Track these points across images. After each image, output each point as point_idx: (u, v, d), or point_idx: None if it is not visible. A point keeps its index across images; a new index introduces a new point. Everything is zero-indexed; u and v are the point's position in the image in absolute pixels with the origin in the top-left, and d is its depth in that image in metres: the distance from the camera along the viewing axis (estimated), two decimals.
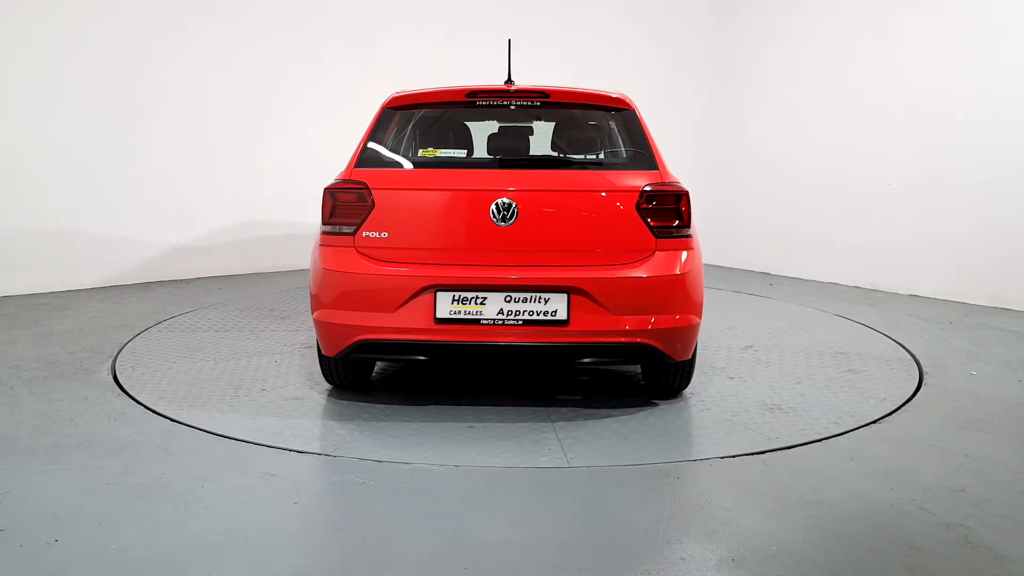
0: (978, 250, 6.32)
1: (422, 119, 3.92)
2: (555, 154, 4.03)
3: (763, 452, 3.15)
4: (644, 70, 9.04)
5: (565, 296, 3.29)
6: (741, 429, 3.42)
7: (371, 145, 3.62)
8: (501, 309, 3.29)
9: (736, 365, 4.46)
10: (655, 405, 3.75)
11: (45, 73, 6.39)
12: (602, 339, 3.32)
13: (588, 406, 3.72)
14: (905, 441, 3.29)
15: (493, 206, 3.34)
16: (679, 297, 3.38)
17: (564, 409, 3.66)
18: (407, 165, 3.68)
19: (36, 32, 6.31)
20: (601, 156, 3.83)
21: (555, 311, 3.29)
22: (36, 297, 6.35)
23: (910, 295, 6.77)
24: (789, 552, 2.35)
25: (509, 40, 4.50)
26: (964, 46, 6.41)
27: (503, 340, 3.32)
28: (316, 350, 3.85)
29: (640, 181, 3.43)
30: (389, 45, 8.06)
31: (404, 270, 3.35)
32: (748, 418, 3.56)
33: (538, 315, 3.29)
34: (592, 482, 2.88)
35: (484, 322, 3.30)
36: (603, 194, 3.41)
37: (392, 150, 3.68)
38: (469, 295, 3.31)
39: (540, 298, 3.29)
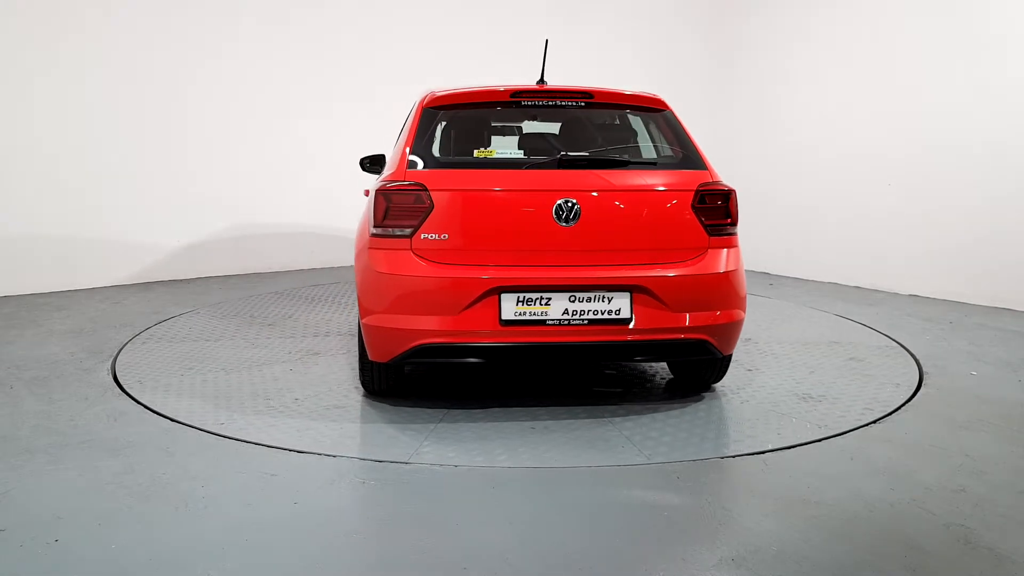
0: (978, 250, 6.31)
1: (466, 119, 3.85)
2: (614, 155, 3.92)
3: (763, 452, 3.15)
4: (644, 69, 9.04)
5: (628, 295, 3.32)
6: (788, 418, 3.55)
7: (418, 146, 3.49)
8: (566, 309, 3.29)
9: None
10: (701, 398, 3.84)
11: (46, 74, 6.40)
12: (663, 336, 3.37)
13: (632, 401, 3.76)
14: (905, 441, 3.29)
15: (556, 206, 3.31)
16: (730, 293, 3.48)
17: (613, 406, 3.68)
18: (463, 166, 3.58)
19: (37, 34, 6.31)
20: (653, 156, 3.78)
21: (618, 310, 3.31)
22: (36, 297, 6.35)
23: (910, 295, 6.77)
24: (789, 552, 2.35)
25: (546, 40, 4.37)
26: (964, 46, 6.41)
27: (569, 340, 3.32)
28: (359, 355, 3.71)
29: (694, 180, 3.51)
30: (389, 46, 8.06)
31: (468, 272, 3.27)
32: (788, 407, 3.69)
33: (602, 314, 3.30)
34: (592, 482, 2.88)
35: (550, 323, 3.28)
36: (661, 193, 3.47)
37: (442, 150, 3.57)
38: (534, 296, 3.28)
39: (604, 297, 3.31)
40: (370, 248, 3.42)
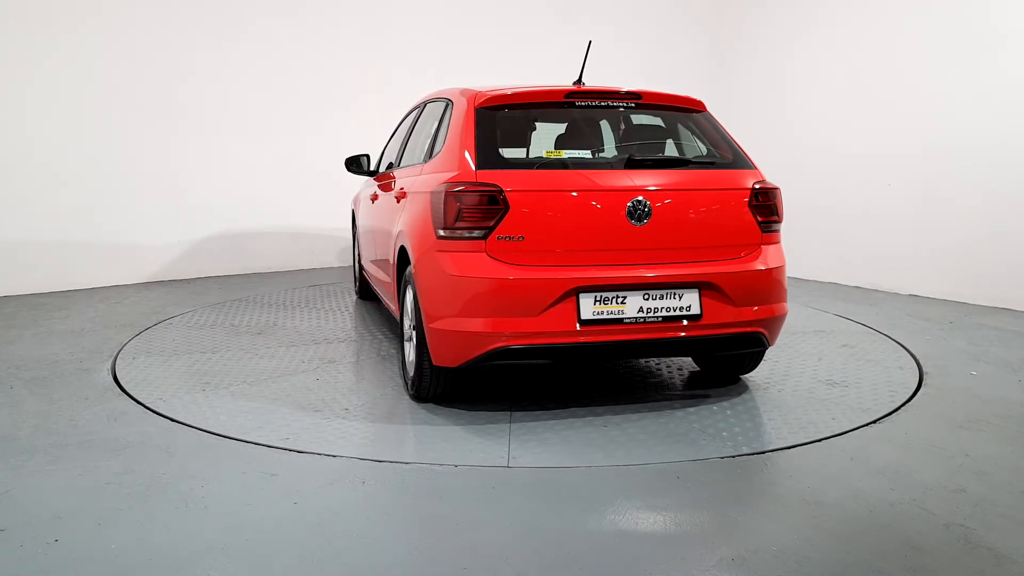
0: (978, 250, 6.31)
1: (520, 119, 3.83)
2: (679, 154, 3.97)
3: (763, 452, 3.15)
4: (643, 69, 9.04)
5: (697, 291, 3.41)
6: (832, 404, 3.69)
7: (479, 146, 3.44)
8: (641, 307, 3.34)
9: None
10: (746, 390, 3.97)
11: (45, 75, 6.40)
12: (728, 330, 3.48)
13: (671, 397, 3.80)
14: (905, 441, 3.29)
15: (629, 205, 3.36)
16: (780, 286, 3.65)
17: (662, 400, 3.73)
18: (533, 166, 3.52)
19: (36, 35, 6.31)
20: (709, 156, 3.81)
21: (689, 306, 3.40)
22: (36, 297, 6.35)
23: (910, 295, 6.77)
24: (789, 552, 2.35)
25: (589, 42, 4.37)
26: (964, 46, 6.41)
27: (644, 337, 3.37)
28: (417, 361, 3.62)
29: (748, 179, 3.64)
30: (389, 46, 8.06)
31: (547, 273, 3.26)
32: (824, 393, 3.87)
33: (674, 311, 3.38)
34: (593, 482, 2.88)
35: (627, 321, 3.33)
36: (722, 192, 3.57)
37: (505, 151, 3.53)
38: (610, 295, 3.31)
39: (675, 294, 3.38)
40: (438, 251, 3.35)
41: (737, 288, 3.46)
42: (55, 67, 6.43)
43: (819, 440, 3.29)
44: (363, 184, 6.06)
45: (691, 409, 3.66)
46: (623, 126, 3.97)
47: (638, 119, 3.97)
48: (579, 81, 4.10)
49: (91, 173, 6.70)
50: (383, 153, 5.54)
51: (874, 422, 3.51)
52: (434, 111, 4.43)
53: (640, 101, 3.75)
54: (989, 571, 2.26)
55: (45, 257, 6.56)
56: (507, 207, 3.27)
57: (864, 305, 6.30)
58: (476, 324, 3.24)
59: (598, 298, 3.29)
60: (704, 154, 3.80)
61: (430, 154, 3.93)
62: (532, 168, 3.48)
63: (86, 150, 6.65)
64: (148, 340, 4.95)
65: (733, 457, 3.10)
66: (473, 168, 3.36)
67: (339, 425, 3.44)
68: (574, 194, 3.37)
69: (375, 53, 8.01)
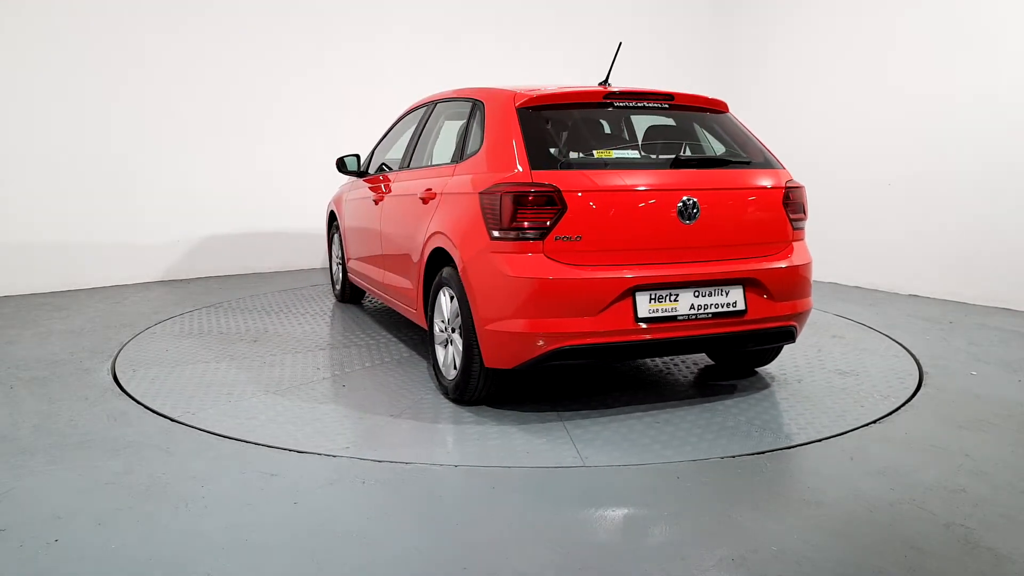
0: (978, 250, 6.31)
1: (563, 119, 3.85)
2: (720, 155, 4.01)
3: (763, 452, 3.15)
4: (642, 69, 9.03)
5: (741, 288, 3.51)
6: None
7: (530, 146, 3.43)
8: (692, 304, 3.41)
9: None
10: (770, 383, 4.07)
11: (45, 75, 6.40)
12: (767, 325, 3.59)
13: (707, 393, 3.81)
14: (905, 441, 3.29)
15: (680, 204, 3.41)
16: (809, 282, 3.78)
17: (693, 396, 3.72)
18: (587, 166, 3.52)
19: (36, 35, 6.31)
20: (744, 156, 3.87)
21: (735, 302, 3.49)
22: (36, 297, 6.35)
23: (910, 295, 6.77)
24: (789, 552, 2.35)
25: (619, 43, 4.37)
26: (964, 46, 6.41)
27: (695, 334, 3.45)
28: (463, 364, 3.59)
29: (780, 178, 3.76)
30: (389, 47, 8.06)
31: (606, 272, 3.29)
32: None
33: (722, 307, 3.46)
34: (592, 482, 2.88)
35: (680, 318, 3.39)
36: (759, 190, 3.67)
37: (555, 151, 3.54)
38: (664, 293, 3.36)
39: (722, 291, 3.47)
40: (492, 252, 3.34)
41: (777, 284, 3.58)
42: (56, 67, 6.43)
43: (819, 440, 3.30)
44: (347, 185, 5.94)
45: (728, 402, 3.75)
46: (658, 127, 4.01)
47: (671, 120, 4.01)
48: (606, 82, 4.12)
49: (91, 173, 6.70)
50: (372, 154, 5.44)
51: (874, 422, 3.51)
52: (454, 112, 4.42)
53: (672, 102, 3.80)
54: (989, 571, 2.26)
55: (45, 257, 6.56)
56: (564, 207, 3.28)
57: (864, 305, 6.30)
58: (535, 325, 3.24)
59: (653, 296, 3.34)
60: (738, 154, 3.87)
61: (460, 155, 3.91)
62: (585, 168, 3.48)
63: (86, 150, 6.65)
64: (148, 340, 4.95)
65: (733, 457, 3.10)
66: (528, 168, 3.35)
67: (396, 430, 3.38)
68: (628, 194, 3.40)
69: (373, 54, 8.01)
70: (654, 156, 3.73)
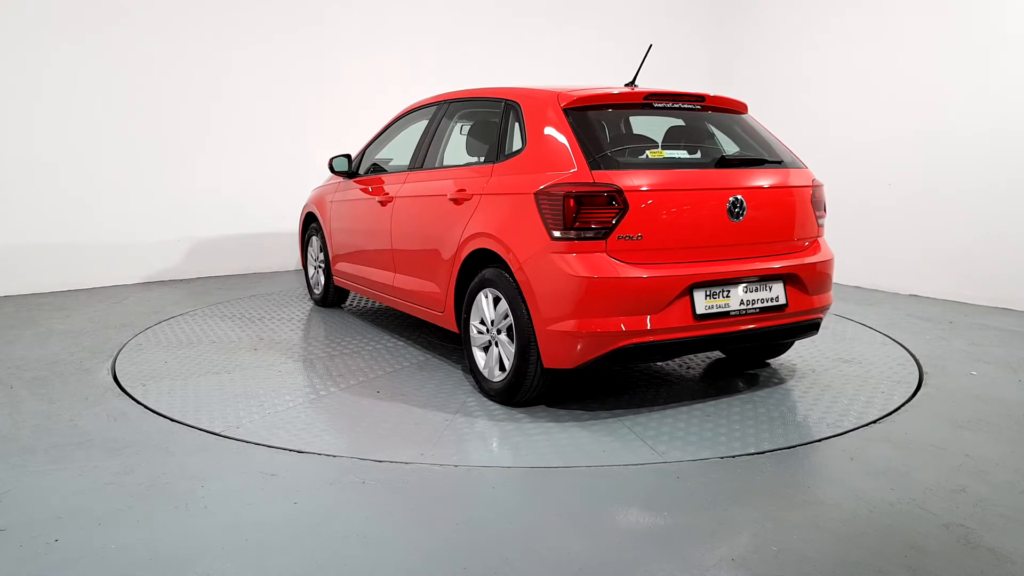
0: (978, 250, 6.31)
1: (608, 120, 3.87)
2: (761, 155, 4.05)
3: (763, 452, 3.15)
4: (643, 70, 9.03)
5: (782, 283, 3.66)
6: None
7: (585, 146, 3.46)
8: (742, 300, 3.53)
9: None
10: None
11: (47, 76, 6.39)
12: (803, 318, 3.75)
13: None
14: (905, 441, 3.29)
15: (729, 202, 3.51)
16: (832, 276, 3.94)
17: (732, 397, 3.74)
18: (643, 166, 3.54)
19: (38, 38, 6.31)
20: (777, 156, 3.95)
21: (777, 297, 3.64)
22: (36, 297, 6.35)
23: (910, 295, 6.77)
24: (789, 552, 2.35)
25: (650, 45, 4.46)
26: (964, 46, 6.41)
27: (747, 328, 3.56)
28: (516, 364, 3.55)
29: (807, 176, 3.91)
30: (389, 46, 8.06)
31: (667, 270, 3.36)
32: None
33: (767, 302, 3.60)
34: (592, 482, 2.88)
35: (733, 313, 3.49)
36: (794, 188, 3.81)
37: (605, 150, 3.55)
38: (717, 289, 3.47)
39: (767, 286, 3.61)
40: (554, 252, 3.34)
41: (811, 278, 3.74)
42: (57, 68, 6.43)
43: (819, 440, 3.30)
44: (330, 186, 5.75)
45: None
46: (692, 127, 4.04)
47: (702, 120, 4.06)
48: (632, 83, 4.16)
49: (91, 173, 6.70)
50: (363, 155, 5.32)
51: (874, 422, 3.51)
52: (477, 112, 4.42)
53: (704, 104, 3.89)
54: (989, 571, 2.26)
55: (45, 257, 6.56)
56: (626, 206, 3.32)
57: (864, 305, 6.30)
58: (600, 324, 3.27)
59: (708, 293, 3.44)
60: (773, 153, 3.94)
61: (496, 155, 3.89)
62: (641, 168, 3.51)
63: (86, 150, 6.65)
64: (148, 340, 4.94)
65: (733, 457, 3.10)
66: (587, 168, 3.37)
67: (458, 434, 3.35)
68: (683, 193, 3.47)
69: (374, 54, 8.01)
70: (699, 156, 3.80)
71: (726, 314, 3.47)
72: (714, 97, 3.93)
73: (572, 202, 3.29)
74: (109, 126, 6.76)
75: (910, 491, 2.78)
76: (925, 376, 4.24)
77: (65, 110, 6.52)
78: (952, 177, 6.52)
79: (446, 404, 3.74)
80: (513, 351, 3.57)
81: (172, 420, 3.49)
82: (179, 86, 7.09)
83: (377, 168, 5.18)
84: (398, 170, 4.88)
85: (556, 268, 3.32)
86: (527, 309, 3.45)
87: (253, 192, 7.63)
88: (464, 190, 3.98)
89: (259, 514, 2.59)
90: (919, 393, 3.96)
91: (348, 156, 5.38)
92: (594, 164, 3.39)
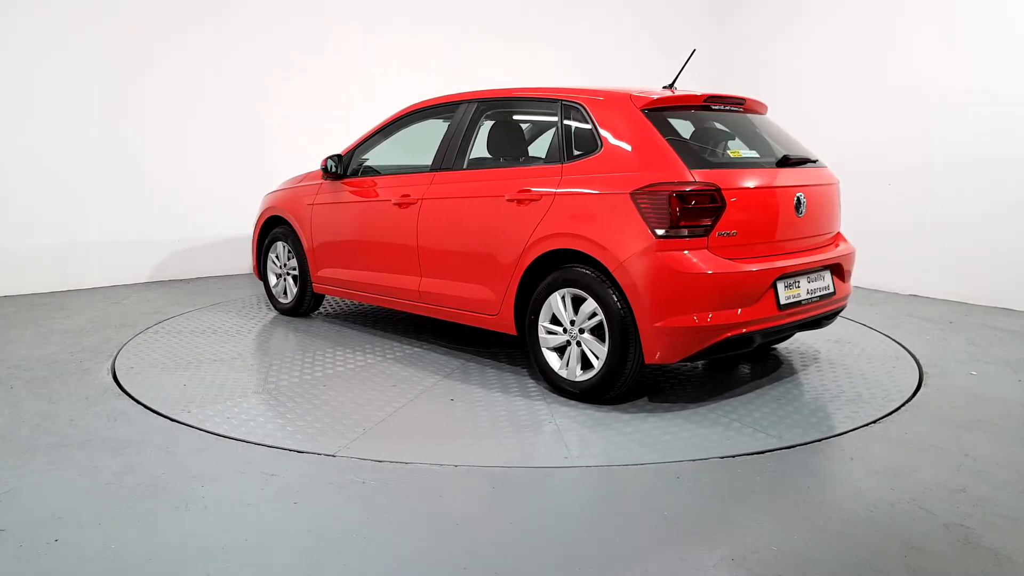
0: (978, 250, 6.31)
1: (680, 121, 3.96)
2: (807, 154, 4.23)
3: (763, 452, 3.15)
4: (641, 70, 9.03)
5: (829, 272, 3.99)
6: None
7: (677, 147, 3.58)
8: (807, 289, 3.82)
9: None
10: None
11: (45, 76, 6.39)
12: (840, 304, 4.09)
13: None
14: (905, 441, 3.29)
15: (795, 199, 3.77)
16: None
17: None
18: (729, 166, 3.71)
19: (37, 36, 6.31)
20: (804, 154, 4.14)
21: (828, 285, 3.96)
22: (36, 297, 6.35)
23: (910, 295, 6.77)
24: (789, 552, 2.35)
25: (693, 50, 4.61)
26: (965, 45, 6.41)
27: (812, 314, 3.87)
28: (612, 361, 3.57)
29: (833, 175, 4.26)
30: (388, 46, 8.06)
31: (760, 264, 3.57)
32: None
33: (822, 291, 3.91)
34: (592, 481, 2.88)
35: (804, 302, 3.77)
36: (831, 186, 4.18)
37: (697, 151, 3.67)
38: (792, 280, 3.72)
39: (821, 276, 3.93)
40: (659, 250, 3.40)
41: (847, 267, 4.14)
42: (56, 68, 6.42)
43: (819, 440, 3.30)
44: (305, 188, 5.47)
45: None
46: (743, 129, 4.16)
47: (748, 122, 4.20)
48: (671, 86, 4.26)
49: (91, 173, 6.69)
50: (352, 156, 5.09)
51: (874, 422, 3.51)
52: (520, 113, 4.48)
53: (744, 105, 4.14)
54: (989, 571, 2.26)
55: (45, 257, 6.55)
56: (724, 204, 3.48)
57: (864, 305, 6.30)
58: (707, 318, 3.42)
59: (786, 284, 3.68)
60: (807, 153, 4.16)
61: (563, 156, 3.85)
62: (728, 167, 3.67)
63: (86, 150, 6.65)
64: (148, 340, 4.94)
65: (733, 457, 3.10)
66: (686, 168, 3.47)
67: (560, 441, 3.28)
68: (766, 190, 3.70)
69: (375, 55, 8.01)
70: (763, 156, 3.96)
71: (799, 303, 3.73)
72: (751, 100, 4.17)
73: (677, 201, 3.39)
74: (109, 126, 6.75)
75: (910, 491, 2.79)
76: (925, 376, 4.24)
77: (65, 110, 6.52)
78: (952, 177, 6.52)
79: (534, 407, 3.70)
80: (605, 350, 3.59)
81: (172, 420, 3.49)
82: (179, 86, 7.09)
83: (376, 170, 5.05)
84: (413, 171, 4.68)
85: (663, 266, 3.41)
86: (628, 307, 3.50)
87: (253, 192, 7.62)
88: (527, 190, 3.89)
89: (259, 514, 2.59)
90: (919, 393, 3.96)
91: (339, 157, 5.13)
92: (692, 164, 3.51)
